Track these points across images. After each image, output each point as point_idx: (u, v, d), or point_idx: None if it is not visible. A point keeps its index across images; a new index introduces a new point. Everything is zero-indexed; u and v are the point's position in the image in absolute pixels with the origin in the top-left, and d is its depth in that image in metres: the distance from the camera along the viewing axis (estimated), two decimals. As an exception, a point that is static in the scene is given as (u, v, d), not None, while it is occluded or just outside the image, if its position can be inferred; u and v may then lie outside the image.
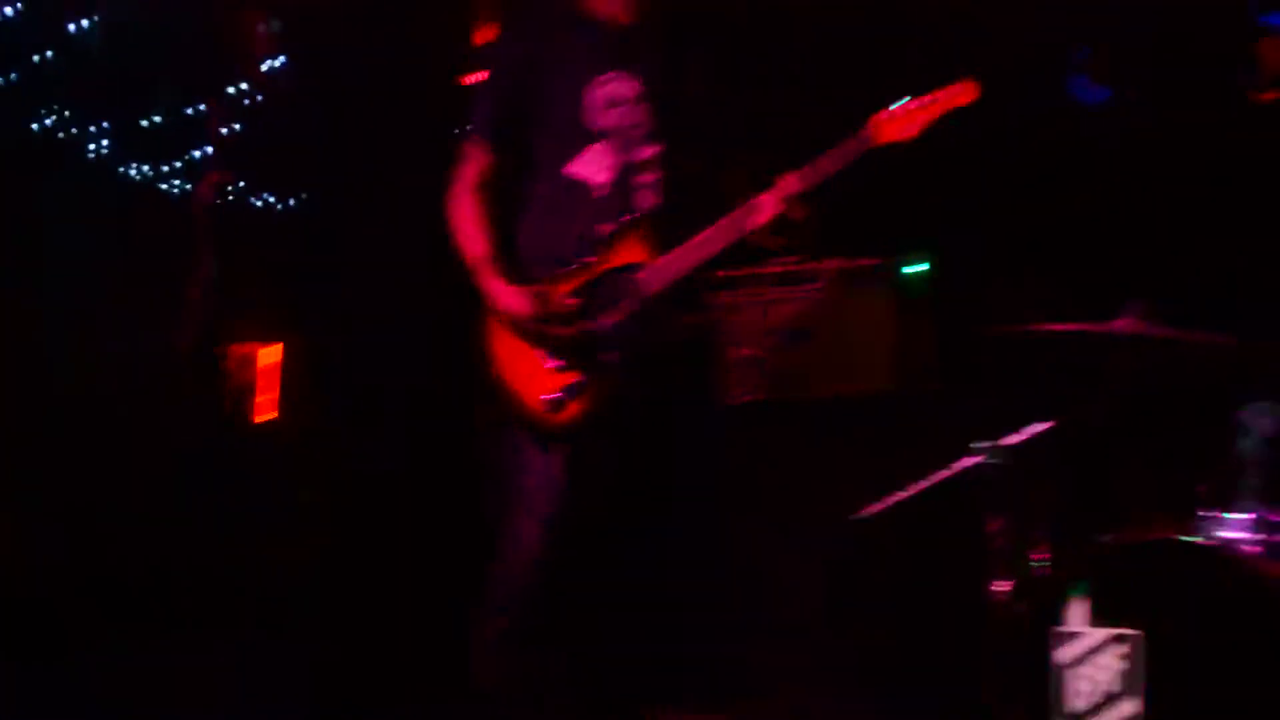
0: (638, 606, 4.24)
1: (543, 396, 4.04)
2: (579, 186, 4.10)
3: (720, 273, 5.38)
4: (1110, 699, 3.75)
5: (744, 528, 5.24)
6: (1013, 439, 4.23)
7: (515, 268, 4.15)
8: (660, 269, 4.02)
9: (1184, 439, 4.25)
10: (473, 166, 4.23)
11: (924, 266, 5.33)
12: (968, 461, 4.26)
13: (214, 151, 4.11)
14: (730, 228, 3.96)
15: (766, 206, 3.93)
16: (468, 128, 4.27)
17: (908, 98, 3.91)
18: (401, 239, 6.16)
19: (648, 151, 4.12)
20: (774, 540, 5.25)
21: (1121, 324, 4.18)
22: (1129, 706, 3.72)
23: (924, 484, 4.45)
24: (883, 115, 3.89)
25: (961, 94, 3.86)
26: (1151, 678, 3.72)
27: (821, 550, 5.16)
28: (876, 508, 4.55)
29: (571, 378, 4.04)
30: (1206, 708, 3.66)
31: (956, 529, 4.49)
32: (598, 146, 4.09)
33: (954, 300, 5.25)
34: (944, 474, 4.38)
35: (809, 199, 3.93)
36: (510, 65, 4.20)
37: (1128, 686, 3.73)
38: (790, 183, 3.92)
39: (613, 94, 4.10)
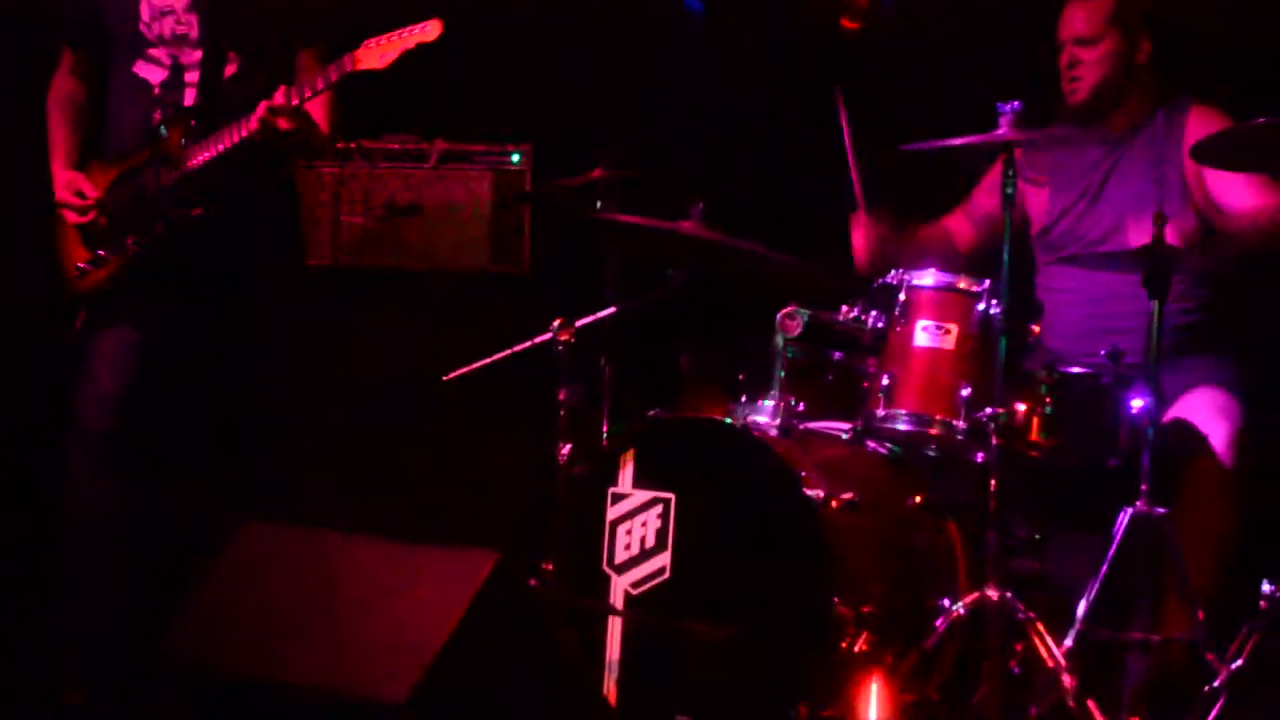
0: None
1: (79, 264, 4.52)
2: (141, 86, 4.52)
3: (339, 144, 5.74)
4: (646, 552, 4.28)
5: (338, 387, 5.66)
6: (582, 320, 4.74)
7: (99, 155, 4.59)
8: (179, 164, 4.43)
9: (732, 332, 4.83)
10: (64, 59, 4.65)
11: (517, 156, 5.74)
12: (543, 337, 4.71)
13: None
14: (233, 131, 4.37)
15: (255, 116, 4.32)
16: (57, 24, 4.67)
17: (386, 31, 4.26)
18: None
19: (196, 55, 4.50)
20: (367, 398, 5.65)
21: (684, 224, 4.73)
22: (660, 559, 4.26)
23: (505, 354, 4.89)
24: (364, 45, 4.26)
25: (427, 32, 4.21)
26: (680, 535, 4.22)
27: (411, 410, 5.56)
28: (462, 371, 4.94)
29: (97, 251, 4.51)
30: (724, 563, 4.20)
31: (532, 397, 4.91)
32: (153, 51, 4.50)
33: (547, 188, 5.65)
34: (522, 346, 4.81)
35: (292, 114, 4.31)
36: None
37: (660, 542, 4.26)
38: (277, 97, 4.31)
39: (163, 3, 4.50)
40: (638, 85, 5.98)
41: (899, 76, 5.78)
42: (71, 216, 4.54)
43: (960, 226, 5.08)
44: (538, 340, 4.72)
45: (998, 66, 5.46)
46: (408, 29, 4.24)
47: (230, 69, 4.51)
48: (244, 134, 4.36)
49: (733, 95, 5.93)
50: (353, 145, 5.74)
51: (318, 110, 4.47)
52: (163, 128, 4.47)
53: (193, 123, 4.45)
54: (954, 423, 4.30)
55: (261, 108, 4.31)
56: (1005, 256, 4.27)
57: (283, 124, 4.32)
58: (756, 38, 6.01)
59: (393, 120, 5.83)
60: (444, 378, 4.89)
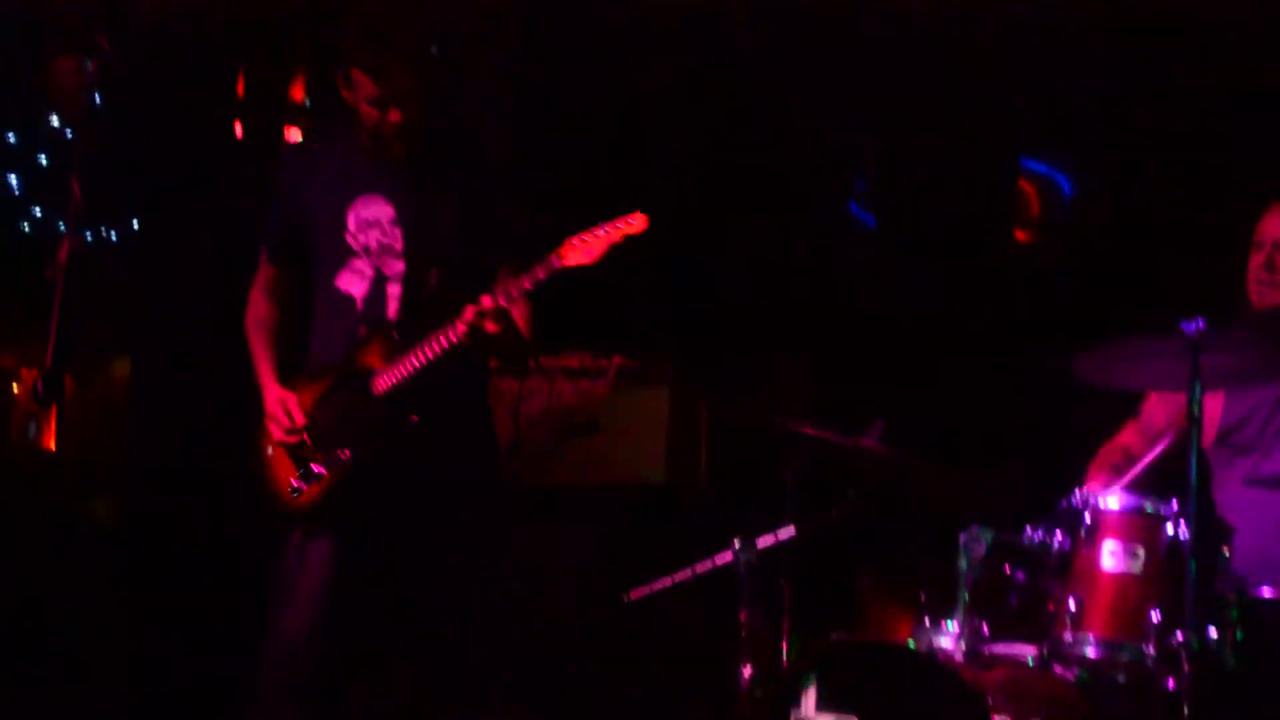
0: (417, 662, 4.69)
1: (292, 481, 4.53)
2: (344, 298, 4.56)
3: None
4: (831, 777, 4.27)
5: (516, 606, 5.67)
6: (763, 539, 4.76)
7: (301, 371, 4.63)
8: (387, 374, 4.44)
9: (912, 552, 4.81)
10: (263, 274, 4.73)
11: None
12: (725, 556, 4.75)
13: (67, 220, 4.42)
14: (441, 337, 4.36)
15: (462, 320, 4.30)
16: (260, 238, 4.75)
17: (590, 227, 4.25)
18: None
19: (399, 267, 4.54)
20: (545, 617, 5.68)
21: (865, 441, 4.75)
22: (846, 785, 4.25)
23: (687, 573, 4.91)
24: (570, 241, 4.25)
25: (634, 225, 4.21)
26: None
27: (590, 627, 5.60)
28: (643, 591, 4.98)
29: (309, 467, 4.51)
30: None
31: (712, 616, 4.94)
32: (357, 262, 4.55)
33: (725, 405, 5.71)
34: (705, 567, 4.84)
35: (498, 316, 4.29)
36: (289, 185, 4.66)
37: (846, 767, 4.25)
38: (484, 300, 4.29)
39: (370, 215, 4.56)
40: (810, 301, 6.05)
41: (1072, 287, 5.79)
42: (277, 433, 4.55)
43: (1135, 442, 5.03)
44: (719, 561, 4.72)
45: (1170, 276, 5.46)
46: (612, 223, 4.24)
47: (432, 281, 4.53)
48: (453, 339, 4.33)
49: (907, 309, 5.97)
50: (532, 363, 5.84)
51: (517, 317, 4.45)
52: (363, 340, 4.51)
53: (395, 335, 4.48)
54: (1144, 648, 4.22)
55: (469, 311, 4.29)
56: (1192, 478, 4.20)
57: (489, 327, 4.29)
58: (927, 252, 6.06)
59: (565, 334, 5.94)
60: (626, 598, 4.89)
